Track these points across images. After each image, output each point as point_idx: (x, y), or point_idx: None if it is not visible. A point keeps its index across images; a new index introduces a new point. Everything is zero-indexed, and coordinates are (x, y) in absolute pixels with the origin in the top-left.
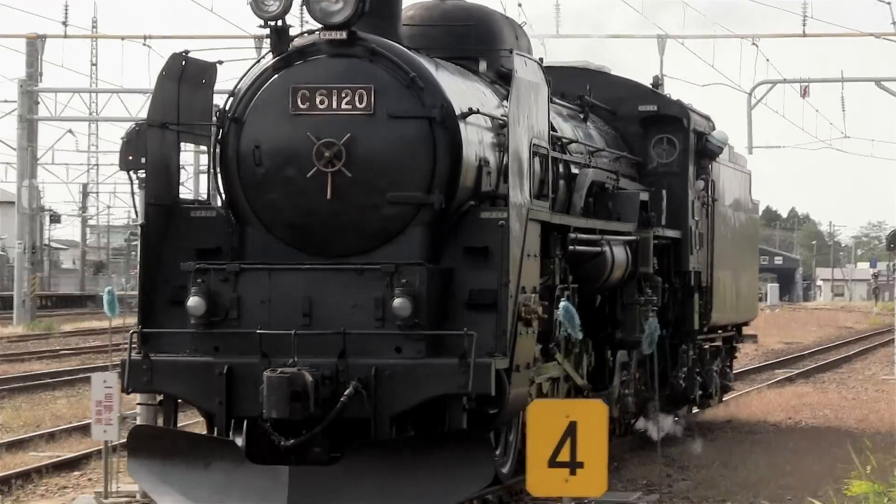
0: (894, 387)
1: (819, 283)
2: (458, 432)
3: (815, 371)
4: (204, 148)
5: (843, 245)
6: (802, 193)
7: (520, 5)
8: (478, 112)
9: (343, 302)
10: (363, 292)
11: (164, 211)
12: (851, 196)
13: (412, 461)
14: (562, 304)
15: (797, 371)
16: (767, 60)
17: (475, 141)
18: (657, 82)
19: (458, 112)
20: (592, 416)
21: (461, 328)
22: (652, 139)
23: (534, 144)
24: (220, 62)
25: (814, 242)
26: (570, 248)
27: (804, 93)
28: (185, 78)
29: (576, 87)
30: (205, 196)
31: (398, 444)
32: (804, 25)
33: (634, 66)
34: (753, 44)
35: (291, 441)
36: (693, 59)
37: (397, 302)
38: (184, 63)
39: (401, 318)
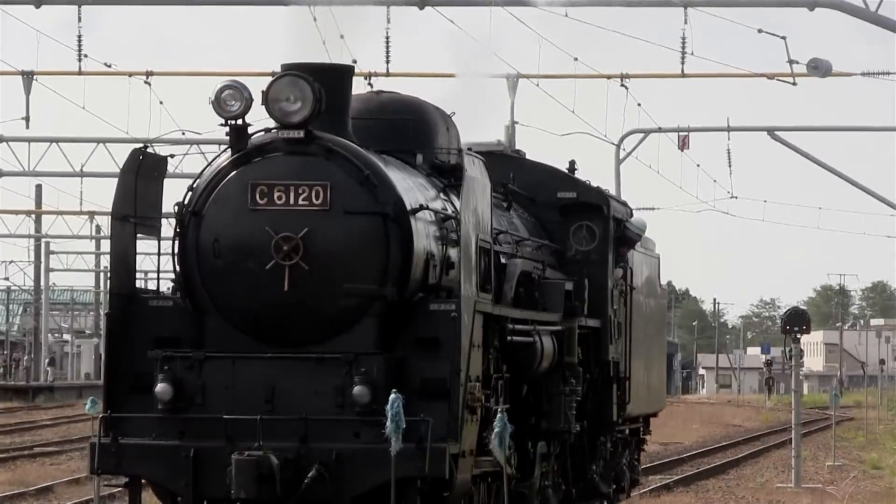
0: (792, 497)
1: (702, 371)
2: None
3: (698, 477)
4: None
5: (730, 326)
6: (682, 265)
7: (354, 62)
8: (427, 208)
9: (304, 389)
10: (323, 380)
11: (124, 300)
12: (740, 268)
13: None
14: (495, 430)
15: (676, 477)
16: (639, 105)
17: (423, 235)
18: (573, 167)
19: (408, 208)
20: None
21: (414, 415)
22: (571, 226)
23: (480, 240)
24: (172, 156)
25: (695, 323)
26: (508, 338)
27: (683, 144)
28: (142, 172)
29: (497, 173)
30: (166, 287)
31: None
32: (683, 63)
33: (483, 112)
34: (622, 85)
35: None
36: (550, 103)
37: (357, 389)
38: (141, 157)
39: (360, 404)
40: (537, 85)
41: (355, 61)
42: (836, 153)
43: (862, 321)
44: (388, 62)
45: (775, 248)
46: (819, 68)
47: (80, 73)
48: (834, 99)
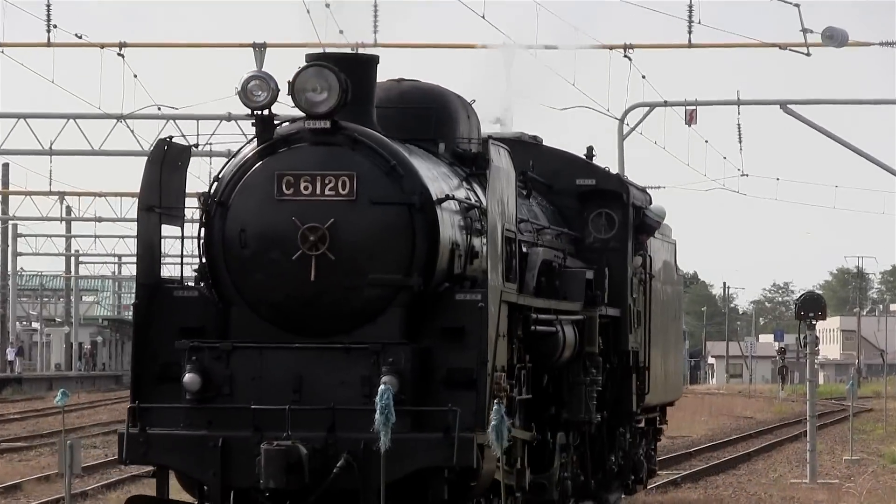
0: (807, 494)
1: (711, 360)
2: (444, 503)
3: (707, 472)
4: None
5: (740, 312)
6: (689, 247)
7: (341, 32)
8: (452, 198)
9: (331, 379)
10: (351, 370)
11: (150, 290)
12: (751, 251)
13: None
14: (492, 423)
15: (684, 472)
16: (643, 77)
17: (448, 224)
18: (591, 153)
19: (434, 198)
20: None
21: (440, 404)
22: (590, 214)
23: (505, 230)
24: (196, 146)
25: (703, 309)
26: (532, 328)
27: (690, 118)
28: (166, 162)
29: (516, 161)
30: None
31: None
32: (690, 33)
33: (475, 82)
34: (626, 56)
35: None
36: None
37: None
38: (166, 148)
39: None
40: (535, 56)
41: (342, 31)
42: (853, 128)
43: (881, 306)
44: (375, 32)
45: (789, 229)
46: (834, 38)
47: (48, 44)
48: (850, 70)
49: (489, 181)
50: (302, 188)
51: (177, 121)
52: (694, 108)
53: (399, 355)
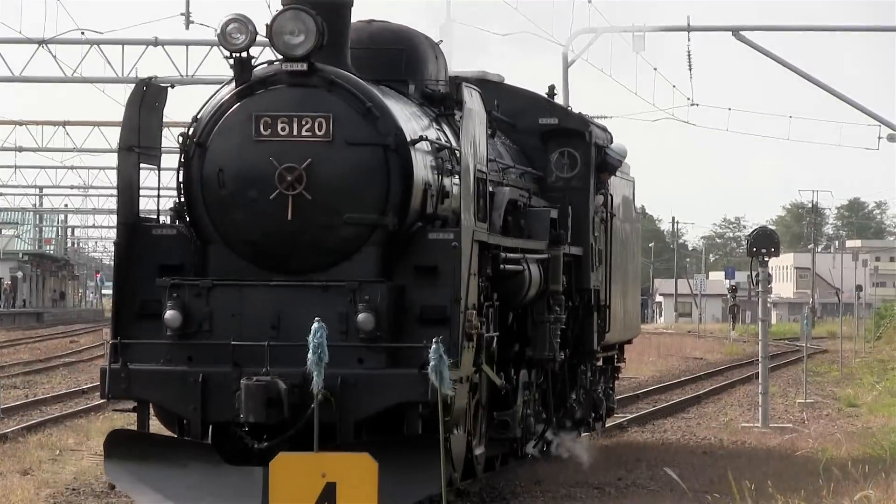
0: (759, 438)
1: (659, 298)
2: (416, 437)
3: (655, 416)
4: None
5: (690, 249)
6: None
7: None
8: (426, 139)
9: (309, 316)
10: (328, 307)
11: (129, 229)
12: (701, 184)
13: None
14: (430, 363)
15: (630, 415)
16: (589, 2)
17: (421, 166)
18: (552, 92)
19: (408, 139)
20: (357, 474)
21: (415, 341)
22: (552, 153)
23: (477, 170)
24: (172, 85)
25: (651, 245)
26: (501, 267)
27: (638, 45)
28: (145, 103)
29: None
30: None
31: (361, 448)
32: None
33: (417, 11)
34: None
35: (265, 444)
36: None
37: (361, 317)
38: (144, 88)
39: (364, 331)
40: None
41: None
42: (809, 56)
43: (836, 243)
44: None
45: (741, 162)
46: None
47: None
48: None
49: (463, 123)
50: (279, 129)
51: (101, 45)
52: (642, 33)
53: (375, 293)
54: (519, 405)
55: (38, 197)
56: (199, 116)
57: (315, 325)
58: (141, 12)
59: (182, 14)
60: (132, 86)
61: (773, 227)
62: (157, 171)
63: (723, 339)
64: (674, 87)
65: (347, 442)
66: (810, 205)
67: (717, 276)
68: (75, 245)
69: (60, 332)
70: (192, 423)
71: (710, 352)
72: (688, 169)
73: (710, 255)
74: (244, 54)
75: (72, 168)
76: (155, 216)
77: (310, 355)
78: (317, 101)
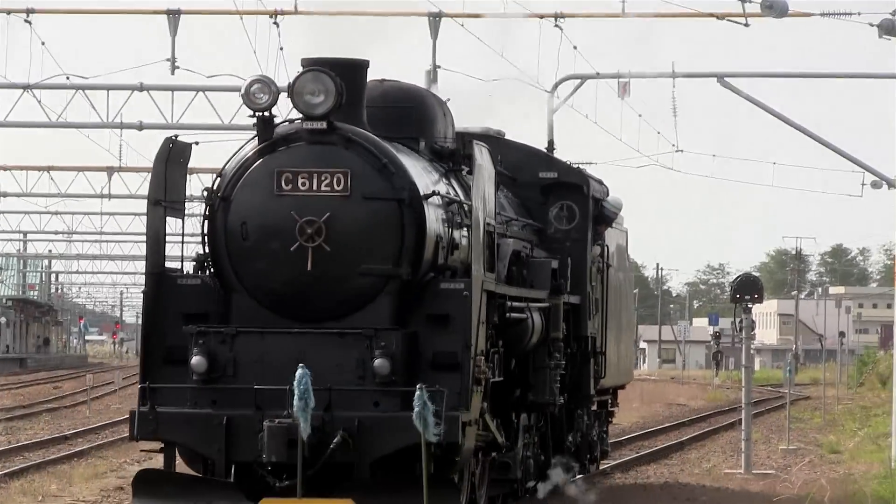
0: (741, 484)
1: (643, 344)
2: (430, 476)
3: (638, 462)
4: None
5: (674, 295)
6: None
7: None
8: (438, 194)
9: (328, 361)
10: (346, 353)
11: (156, 279)
12: (685, 230)
13: (388, 499)
14: (415, 409)
15: (613, 462)
16: (575, 48)
17: (434, 219)
18: (552, 146)
19: (422, 193)
20: None
21: (428, 385)
22: (552, 206)
23: (487, 223)
24: (197, 143)
25: (635, 291)
26: (507, 315)
27: (623, 91)
28: (171, 159)
29: None
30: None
31: (378, 487)
32: (623, 2)
33: (402, 52)
34: (556, 25)
35: (286, 482)
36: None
37: (378, 362)
38: (171, 145)
39: (380, 375)
40: (462, 25)
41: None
42: (793, 102)
43: (820, 289)
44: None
45: (725, 208)
46: (774, 8)
47: None
48: (791, 42)
49: (474, 179)
50: (300, 184)
51: (86, 91)
52: (627, 80)
53: (390, 339)
54: (520, 447)
55: (21, 242)
56: (223, 172)
57: (299, 371)
58: (126, 58)
59: (167, 59)
60: (118, 131)
61: (756, 274)
62: (181, 224)
63: (706, 385)
64: (658, 133)
65: (364, 480)
66: (794, 251)
67: (700, 322)
68: (59, 291)
69: (43, 378)
70: (217, 463)
71: (693, 398)
72: (672, 215)
73: (694, 302)
74: (267, 113)
75: (56, 213)
76: (179, 265)
77: (295, 401)
78: (335, 158)
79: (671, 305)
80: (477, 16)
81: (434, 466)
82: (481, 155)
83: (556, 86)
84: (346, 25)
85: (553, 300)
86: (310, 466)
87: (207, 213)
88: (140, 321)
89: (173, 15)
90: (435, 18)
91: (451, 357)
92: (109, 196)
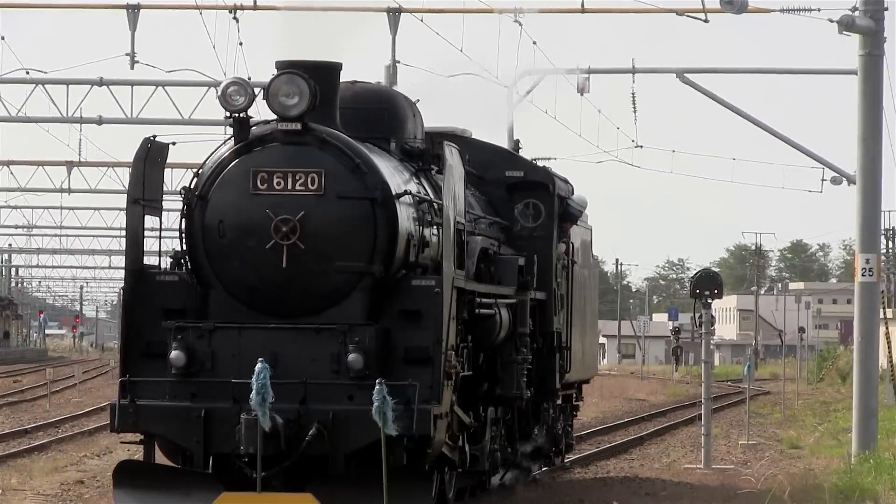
0: (701, 479)
1: (602, 340)
2: (402, 468)
3: (597, 457)
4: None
5: (633, 290)
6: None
7: None
8: (409, 193)
9: (303, 356)
10: (320, 348)
11: (135, 276)
12: (645, 226)
13: (362, 491)
14: (375, 404)
15: (573, 457)
16: (534, 43)
17: (405, 217)
18: (517, 146)
19: (394, 192)
20: None
21: (400, 380)
22: (518, 203)
23: (457, 222)
24: (174, 143)
25: None
26: (476, 311)
27: (583, 87)
28: (149, 159)
29: None
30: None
31: (352, 478)
32: None
33: (362, 49)
34: (516, 21)
35: (263, 473)
36: (437, 41)
37: (352, 357)
38: (149, 146)
39: (354, 370)
40: (421, 20)
41: None
42: (753, 98)
43: (780, 285)
44: None
45: (684, 204)
46: (734, 4)
47: None
48: (750, 38)
49: (445, 179)
50: (275, 183)
51: (46, 85)
52: (587, 76)
53: (364, 335)
54: (487, 440)
55: None
56: (200, 171)
57: (258, 366)
58: (86, 52)
59: (127, 54)
60: (77, 125)
61: (716, 269)
62: (159, 222)
63: (666, 380)
64: (618, 128)
65: (339, 473)
66: (754, 247)
67: (660, 317)
68: (19, 285)
69: (3, 372)
70: (196, 455)
71: (652, 393)
72: (631, 211)
73: (654, 297)
74: (243, 114)
75: (16, 208)
76: (156, 262)
77: (253, 394)
78: (310, 158)
79: (631, 300)
80: (436, 10)
81: (406, 458)
82: (451, 155)
83: (515, 81)
84: (310, 21)
85: (520, 296)
86: (286, 458)
87: (185, 211)
88: (98, 315)
89: (133, 10)
90: (394, 14)
91: (423, 352)
92: (69, 190)
